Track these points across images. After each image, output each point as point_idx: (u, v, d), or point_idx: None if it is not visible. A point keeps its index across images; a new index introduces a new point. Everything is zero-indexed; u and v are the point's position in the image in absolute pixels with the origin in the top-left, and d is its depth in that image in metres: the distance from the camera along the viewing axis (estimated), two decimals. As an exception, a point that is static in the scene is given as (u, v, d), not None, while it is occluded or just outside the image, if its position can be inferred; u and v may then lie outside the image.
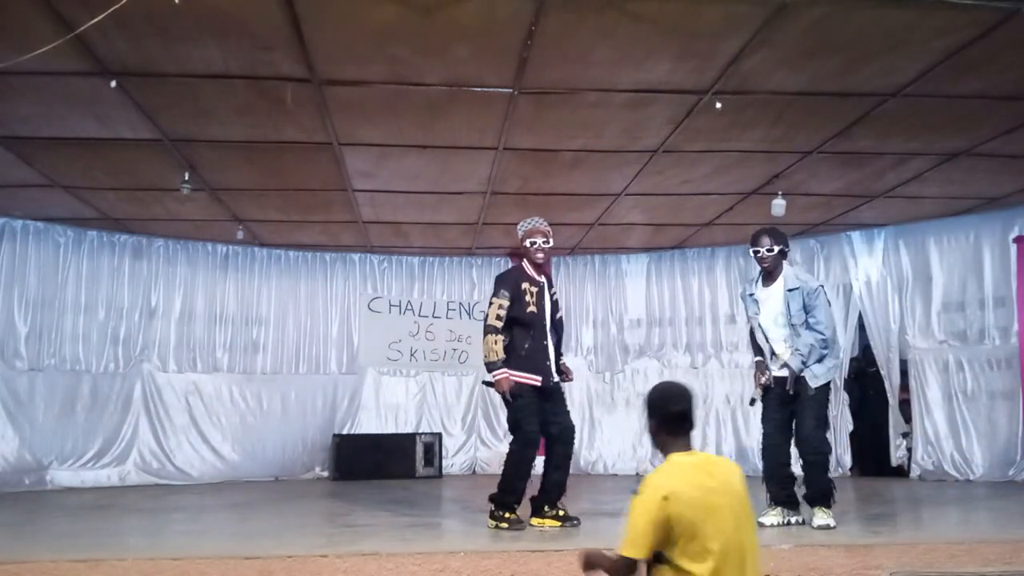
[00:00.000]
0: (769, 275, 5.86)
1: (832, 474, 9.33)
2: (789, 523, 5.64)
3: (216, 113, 6.08)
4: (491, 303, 5.67)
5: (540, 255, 5.81)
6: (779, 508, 5.69)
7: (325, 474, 10.37)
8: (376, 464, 10.06)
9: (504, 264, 11.16)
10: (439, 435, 10.58)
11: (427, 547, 4.87)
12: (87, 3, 4.32)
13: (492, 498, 5.68)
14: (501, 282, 5.77)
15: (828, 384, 5.74)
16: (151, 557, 4.46)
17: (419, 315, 11.14)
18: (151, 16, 4.57)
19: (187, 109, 6.01)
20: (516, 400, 5.58)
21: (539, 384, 5.65)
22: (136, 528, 6.44)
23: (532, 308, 5.70)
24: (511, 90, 5.71)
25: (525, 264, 5.87)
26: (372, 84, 5.62)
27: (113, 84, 5.46)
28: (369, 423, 10.81)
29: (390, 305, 11.08)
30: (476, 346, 10.94)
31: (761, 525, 5.41)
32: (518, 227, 5.94)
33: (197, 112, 6.06)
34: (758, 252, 5.82)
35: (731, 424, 10.45)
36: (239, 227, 9.25)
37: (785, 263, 5.88)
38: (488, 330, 5.60)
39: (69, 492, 8.72)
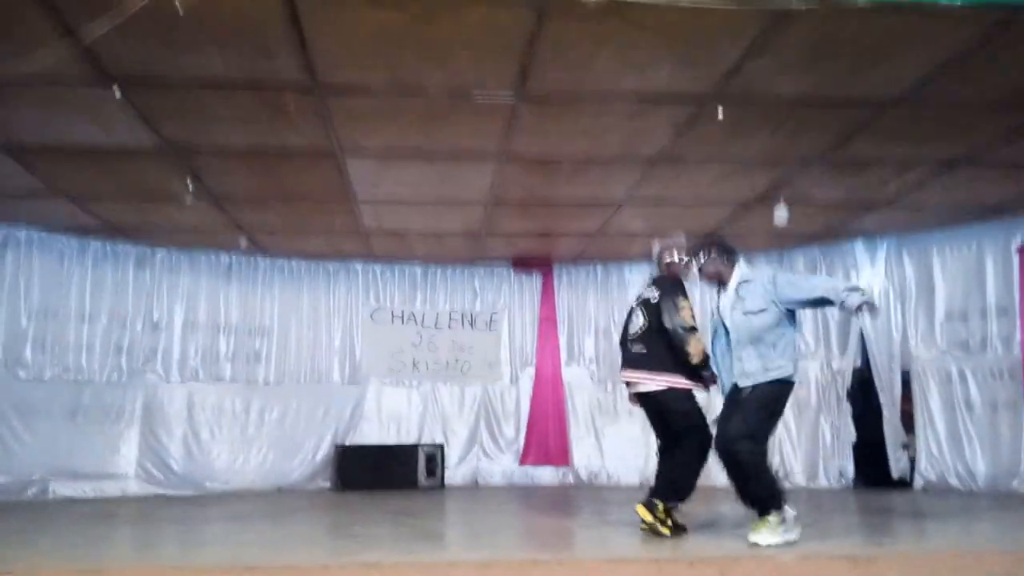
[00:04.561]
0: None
1: (834, 485, 9.48)
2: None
3: (219, 121, 6.09)
4: (680, 307, 5.62)
5: (688, 268, 5.86)
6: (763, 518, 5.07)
7: (327, 485, 10.34)
8: (378, 475, 10.04)
9: (508, 273, 11.18)
10: (441, 446, 10.55)
11: (429, 558, 4.85)
12: (90, 11, 4.33)
13: (663, 496, 5.52)
14: (678, 286, 5.77)
15: (773, 387, 5.15)
16: (153, 568, 4.45)
17: (422, 325, 11.13)
18: (154, 25, 4.58)
19: (190, 117, 6.03)
20: (691, 403, 5.64)
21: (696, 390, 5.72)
22: (138, 538, 6.43)
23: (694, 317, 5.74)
24: (513, 97, 5.72)
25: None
26: (375, 92, 5.63)
27: (116, 93, 5.47)
28: (371, 433, 10.78)
29: (392, 315, 11.08)
30: (479, 356, 11.11)
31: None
32: (659, 243, 5.91)
33: (200, 120, 6.08)
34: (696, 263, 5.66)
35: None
36: (242, 236, 9.26)
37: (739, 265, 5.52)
38: (691, 331, 5.55)
39: (71, 502, 8.70)
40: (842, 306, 5.10)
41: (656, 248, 5.91)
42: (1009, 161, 7.00)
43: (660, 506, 5.47)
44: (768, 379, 5.13)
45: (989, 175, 7.36)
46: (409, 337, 11.08)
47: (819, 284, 5.59)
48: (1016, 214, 8.61)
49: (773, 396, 5.17)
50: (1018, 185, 7.68)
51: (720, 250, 5.54)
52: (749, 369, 5.19)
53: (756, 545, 4.85)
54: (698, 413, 5.65)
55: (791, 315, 5.28)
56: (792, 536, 4.96)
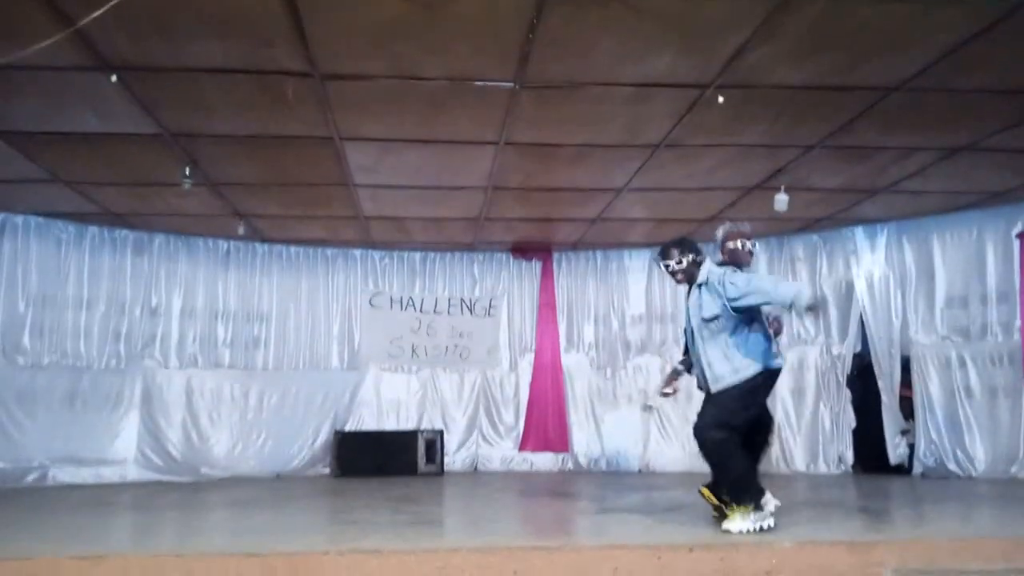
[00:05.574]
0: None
1: (833, 470, 9.50)
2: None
3: (217, 108, 6.06)
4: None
5: (750, 256, 5.74)
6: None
7: (326, 471, 10.35)
8: (377, 461, 10.06)
9: (507, 259, 11.16)
10: (441, 432, 10.56)
11: (429, 544, 4.86)
12: (87, -2, 4.30)
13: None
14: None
15: (745, 383, 5.13)
16: (153, 554, 4.45)
17: (421, 311, 11.12)
18: (152, 10, 4.56)
19: (188, 103, 5.99)
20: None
21: None
22: (138, 525, 6.44)
23: None
24: (513, 85, 5.69)
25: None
26: (374, 78, 5.60)
27: (114, 79, 5.45)
28: (370, 420, 10.79)
29: (391, 301, 11.07)
30: (478, 342, 11.11)
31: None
32: (724, 229, 5.79)
33: (198, 107, 6.05)
34: (668, 266, 5.40)
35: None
36: (240, 222, 9.24)
37: (706, 265, 5.40)
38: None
39: (70, 489, 8.71)
40: (790, 308, 5.14)
41: (721, 233, 5.81)
42: (1010, 148, 6.97)
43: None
44: (738, 379, 5.12)
45: (990, 162, 7.34)
46: (408, 323, 11.07)
47: (760, 287, 5.12)
48: (1016, 200, 8.59)
49: (747, 389, 5.14)
50: (1018, 172, 7.66)
51: (693, 252, 5.41)
52: (719, 372, 5.18)
53: (727, 532, 4.85)
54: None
55: (751, 315, 5.21)
56: (765, 524, 4.92)
